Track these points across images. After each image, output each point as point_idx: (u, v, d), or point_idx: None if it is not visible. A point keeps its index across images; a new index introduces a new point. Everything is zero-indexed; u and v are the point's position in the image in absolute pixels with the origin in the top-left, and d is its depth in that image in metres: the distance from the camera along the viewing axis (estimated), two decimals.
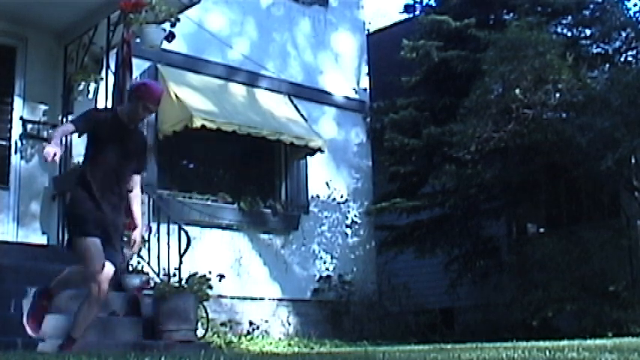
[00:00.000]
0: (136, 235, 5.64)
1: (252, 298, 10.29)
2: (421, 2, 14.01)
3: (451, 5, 12.48)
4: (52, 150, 5.05)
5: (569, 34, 12.15)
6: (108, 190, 5.36)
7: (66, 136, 8.79)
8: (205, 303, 7.65)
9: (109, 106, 8.16)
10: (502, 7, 12.50)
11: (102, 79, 8.75)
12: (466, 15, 12.01)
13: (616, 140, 9.62)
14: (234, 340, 9.01)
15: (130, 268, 7.59)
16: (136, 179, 5.63)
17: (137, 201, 5.62)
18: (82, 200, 5.34)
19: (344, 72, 12.32)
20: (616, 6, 11.59)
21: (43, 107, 8.87)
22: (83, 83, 8.86)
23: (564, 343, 6.62)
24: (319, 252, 11.28)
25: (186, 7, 8.54)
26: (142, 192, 5.71)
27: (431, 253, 12.08)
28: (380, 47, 13.42)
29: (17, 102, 8.77)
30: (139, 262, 7.83)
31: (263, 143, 10.37)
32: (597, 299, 9.72)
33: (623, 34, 11.62)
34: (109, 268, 5.28)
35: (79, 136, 5.88)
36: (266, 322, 10.27)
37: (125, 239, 5.77)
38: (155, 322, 7.02)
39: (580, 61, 10.49)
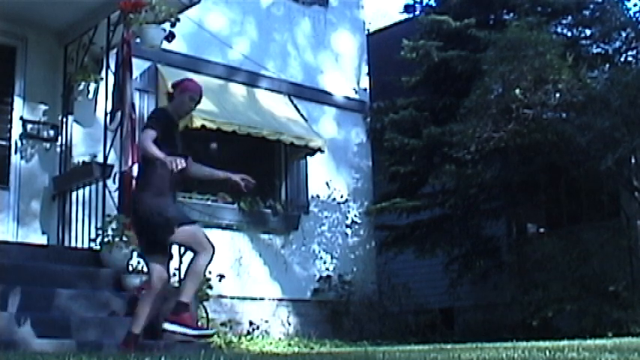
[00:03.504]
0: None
1: (252, 298, 10.30)
2: (421, 2, 14.00)
3: (451, 5, 12.47)
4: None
5: (569, 34, 12.14)
6: (171, 187, 5.62)
7: (66, 136, 8.85)
8: (205, 303, 7.66)
9: (109, 106, 8.19)
10: (502, 7, 12.49)
11: (102, 79, 8.74)
12: (466, 15, 12.00)
13: (616, 140, 9.62)
14: (234, 340, 9.01)
15: (130, 268, 7.58)
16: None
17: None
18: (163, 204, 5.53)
19: (344, 72, 12.32)
20: (616, 6, 11.59)
21: (43, 107, 8.87)
22: (83, 83, 8.85)
23: (564, 343, 6.62)
24: (319, 252, 11.29)
25: (186, 7, 8.54)
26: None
27: (431, 253, 12.08)
28: (380, 47, 13.42)
29: (17, 102, 8.77)
30: (139, 262, 7.82)
31: (263, 143, 10.37)
32: (597, 299, 9.71)
33: (623, 34, 11.61)
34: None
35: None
36: (266, 322, 10.28)
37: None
38: (155, 322, 7.01)
39: (580, 61, 10.47)
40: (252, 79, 11.00)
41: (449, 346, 6.92)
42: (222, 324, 9.23)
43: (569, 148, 10.12)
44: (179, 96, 5.75)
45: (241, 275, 10.26)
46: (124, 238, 7.45)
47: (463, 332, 11.43)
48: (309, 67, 11.85)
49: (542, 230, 12.66)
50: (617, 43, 11.77)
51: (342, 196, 11.78)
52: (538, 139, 10.25)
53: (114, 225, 7.50)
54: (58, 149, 8.85)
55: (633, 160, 10.29)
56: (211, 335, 5.81)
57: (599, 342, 6.53)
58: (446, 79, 12.25)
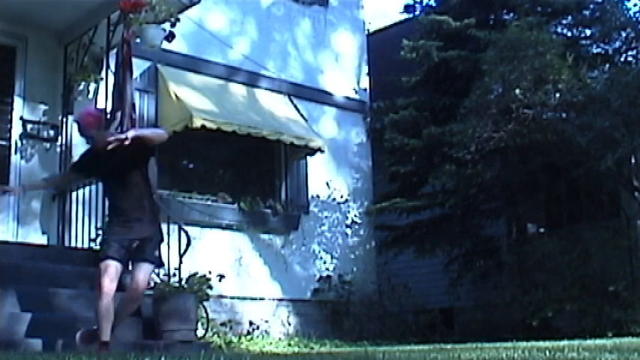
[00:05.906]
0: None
1: (252, 298, 10.30)
2: (421, 2, 13.99)
3: (451, 5, 12.47)
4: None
5: (569, 34, 12.14)
6: (130, 209, 5.68)
7: (66, 136, 8.85)
8: (205, 303, 7.65)
9: (109, 106, 8.19)
10: (502, 7, 12.49)
11: (102, 79, 8.75)
12: (466, 15, 12.00)
13: (616, 140, 9.62)
14: (234, 340, 9.01)
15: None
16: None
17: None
18: (109, 227, 5.87)
19: (344, 72, 12.32)
20: (616, 6, 11.58)
21: (43, 107, 8.88)
22: (83, 83, 8.86)
23: (564, 343, 6.62)
24: (319, 252, 11.29)
25: (186, 7, 8.54)
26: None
27: (431, 253, 12.07)
28: (380, 47, 13.42)
29: (17, 102, 8.77)
30: None
31: (263, 143, 10.37)
32: (597, 299, 9.72)
33: (623, 34, 11.61)
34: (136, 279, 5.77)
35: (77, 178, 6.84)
36: (266, 322, 10.28)
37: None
38: (155, 322, 7.02)
39: (580, 61, 10.47)
40: (252, 79, 11.00)
41: (449, 346, 6.92)
42: (222, 324, 9.23)
43: (569, 148, 10.11)
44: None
45: (241, 275, 10.26)
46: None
47: (463, 332, 11.43)
48: (309, 67, 11.85)
49: (542, 230, 12.65)
50: (617, 43, 11.77)
51: (342, 196, 11.78)
52: (538, 139, 10.25)
53: None
54: (58, 149, 8.85)
55: (633, 160, 10.30)
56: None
57: (599, 342, 6.54)
58: (446, 79, 12.26)
